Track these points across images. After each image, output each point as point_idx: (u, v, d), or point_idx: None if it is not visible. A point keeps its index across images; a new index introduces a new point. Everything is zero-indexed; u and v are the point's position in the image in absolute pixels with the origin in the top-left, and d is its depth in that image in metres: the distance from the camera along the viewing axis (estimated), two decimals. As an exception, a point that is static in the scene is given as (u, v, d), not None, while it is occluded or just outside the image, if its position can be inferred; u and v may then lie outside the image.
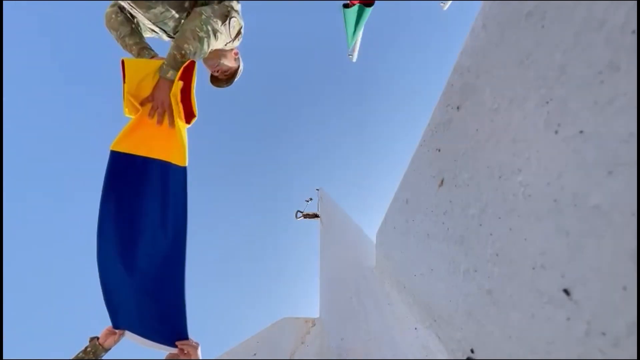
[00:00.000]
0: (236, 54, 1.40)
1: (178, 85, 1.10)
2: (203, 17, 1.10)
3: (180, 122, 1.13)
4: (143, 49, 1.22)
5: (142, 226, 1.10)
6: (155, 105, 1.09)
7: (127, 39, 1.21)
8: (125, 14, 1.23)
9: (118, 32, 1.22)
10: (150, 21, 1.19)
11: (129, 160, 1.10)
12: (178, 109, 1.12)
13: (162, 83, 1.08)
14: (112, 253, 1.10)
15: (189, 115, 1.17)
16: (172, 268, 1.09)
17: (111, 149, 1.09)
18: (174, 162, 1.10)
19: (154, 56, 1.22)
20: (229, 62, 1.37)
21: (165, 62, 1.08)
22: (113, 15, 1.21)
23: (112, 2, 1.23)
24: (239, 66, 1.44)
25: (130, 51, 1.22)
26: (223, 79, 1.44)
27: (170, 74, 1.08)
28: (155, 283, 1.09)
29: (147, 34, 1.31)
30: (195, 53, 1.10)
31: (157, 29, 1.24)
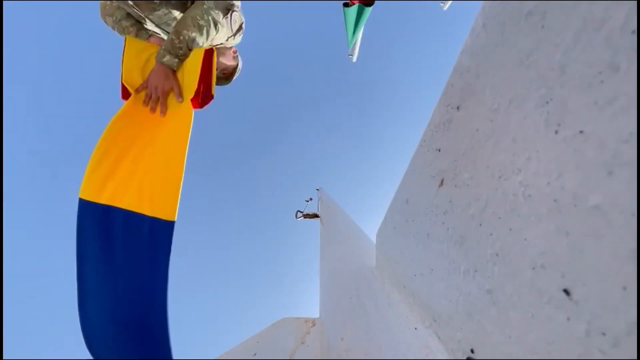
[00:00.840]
0: (235, 52, 1.41)
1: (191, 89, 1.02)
2: (204, 6, 1.09)
3: (179, 165, 0.95)
4: (141, 30, 1.21)
5: (119, 274, 0.93)
6: (149, 91, 1.04)
7: (123, 22, 1.19)
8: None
9: (114, 17, 1.19)
10: (153, 23, 1.20)
11: (105, 213, 0.94)
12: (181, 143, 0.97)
13: (158, 68, 1.05)
14: (91, 294, 0.94)
15: (206, 98, 1.13)
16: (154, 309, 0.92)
17: (80, 197, 0.93)
18: (160, 217, 0.94)
19: (151, 35, 1.20)
20: (227, 61, 1.38)
21: (163, 47, 1.06)
22: (108, 3, 1.20)
23: None
24: (237, 64, 1.45)
25: (129, 33, 1.20)
26: (222, 77, 1.45)
27: (166, 59, 1.05)
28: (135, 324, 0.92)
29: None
30: (193, 40, 1.07)
31: (159, 31, 1.25)
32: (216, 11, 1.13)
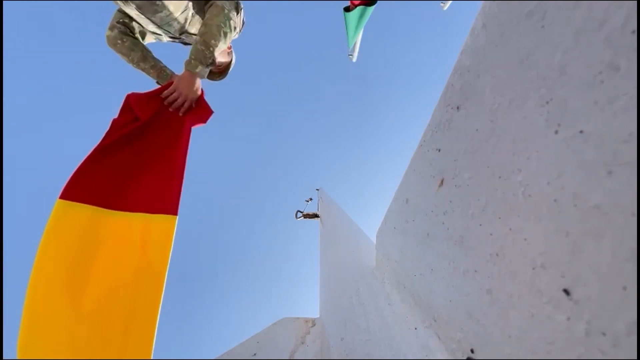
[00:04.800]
0: (229, 48, 1.43)
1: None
2: (225, 11, 1.12)
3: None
4: (162, 71, 1.24)
5: None
6: (177, 95, 1.04)
7: (141, 64, 1.23)
8: (130, 36, 1.24)
9: (130, 58, 1.23)
10: (155, 24, 1.21)
11: None
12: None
13: (189, 76, 1.06)
14: None
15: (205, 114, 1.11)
16: None
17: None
18: None
19: (172, 75, 1.23)
20: (222, 57, 1.40)
21: (193, 57, 1.07)
22: (119, 41, 1.22)
23: (110, 24, 1.22)
24: (231, 60, 1.47)
25: (149, 74, 1.24)
26: (216, 72, 1.47)
27: (199, 69, 1.07)
28: None
29: (149, 39, 1.33)
30: (219, 48, 1.12)
31: (160, 32, 1.26)
32: (233, 13, 1.16)
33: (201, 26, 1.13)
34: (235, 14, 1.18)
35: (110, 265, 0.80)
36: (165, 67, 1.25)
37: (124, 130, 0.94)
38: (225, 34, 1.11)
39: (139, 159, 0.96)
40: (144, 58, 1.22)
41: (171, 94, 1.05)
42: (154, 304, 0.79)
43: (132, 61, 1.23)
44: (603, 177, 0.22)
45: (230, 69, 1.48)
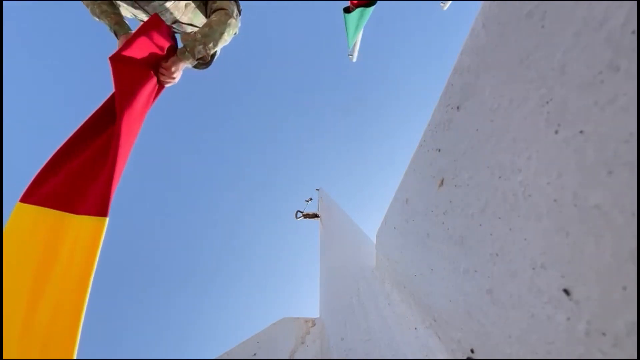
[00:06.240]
0: None
1: None
2: (232, 20, 1.20)
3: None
4: (120, 17, 1.22)
5: None
6: (169, 74, 1.11)
7: (104, 6, 1.21)
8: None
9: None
10: (147, 13, 1.22)
11: None
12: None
13: (183, 64, 1.15)
14: None
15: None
16: None
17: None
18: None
19: (128, 33, 1.21)
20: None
21: (188, 49, 1.14)
22: None
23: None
24: (216, 51, 1.51)
25: (108, 19, 1.21)
26: (202, 62, 1.50)
27: (190, 62, 1.17)
28: None
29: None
30: (214, 49, 1.21)
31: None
32: (238, 20, 1.24)
33: (205, 26, 1.17)
34: (239, 18, 1.24)
35: (56, 269, 0.80)
36: (125, 24, 1.24)
37: (95, 119, 0.90)
38: (225, 41, 1.21)
39: (96, 153, 0.91)
40: (110, 3, 1.22)
41: (175, 71, 1.12)
42: (77, 308, 0.79)
43: (95, 6, 1.20)
44: (603, 177, 0.22)
45: (216, 57, 1.50)
